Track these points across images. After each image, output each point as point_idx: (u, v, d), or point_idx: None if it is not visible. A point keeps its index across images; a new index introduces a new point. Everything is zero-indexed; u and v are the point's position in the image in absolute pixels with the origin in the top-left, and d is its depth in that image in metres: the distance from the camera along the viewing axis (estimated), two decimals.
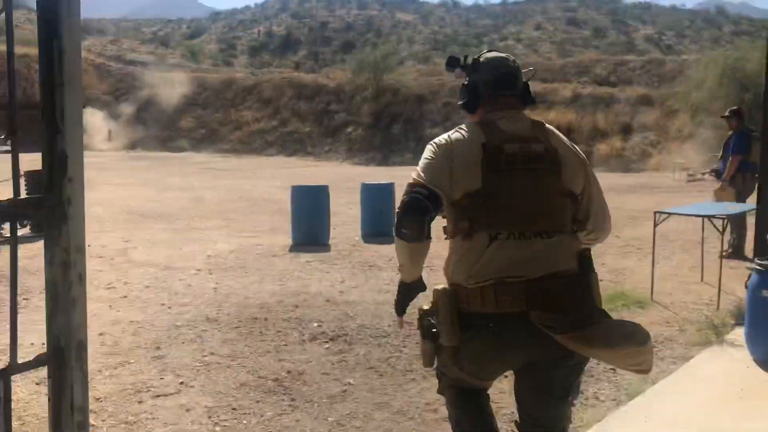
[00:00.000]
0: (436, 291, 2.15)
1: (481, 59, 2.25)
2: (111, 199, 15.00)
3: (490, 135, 2.09)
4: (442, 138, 2.17)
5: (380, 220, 9.73)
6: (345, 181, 17.66)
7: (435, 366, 2.28)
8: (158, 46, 56.81)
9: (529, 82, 2.27)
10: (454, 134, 2.16)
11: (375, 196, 10.11)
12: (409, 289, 2.27)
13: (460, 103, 2.28)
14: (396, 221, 2.10)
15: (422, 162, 2.14)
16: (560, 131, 2.23)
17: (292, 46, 63.19)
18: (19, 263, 1.42)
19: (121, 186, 18.03)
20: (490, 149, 2.06)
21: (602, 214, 2.25)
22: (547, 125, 2.22)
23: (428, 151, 2.15)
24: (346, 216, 11.12)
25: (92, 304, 5.65)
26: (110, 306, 5.88)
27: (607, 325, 2.04)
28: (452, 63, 2.32)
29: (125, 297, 6.20)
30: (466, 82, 2.26)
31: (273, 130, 32.81)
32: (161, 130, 35.39)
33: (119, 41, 56.20)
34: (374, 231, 9.61)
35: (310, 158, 29.52)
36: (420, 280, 2.27)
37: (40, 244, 1.66)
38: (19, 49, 39.52)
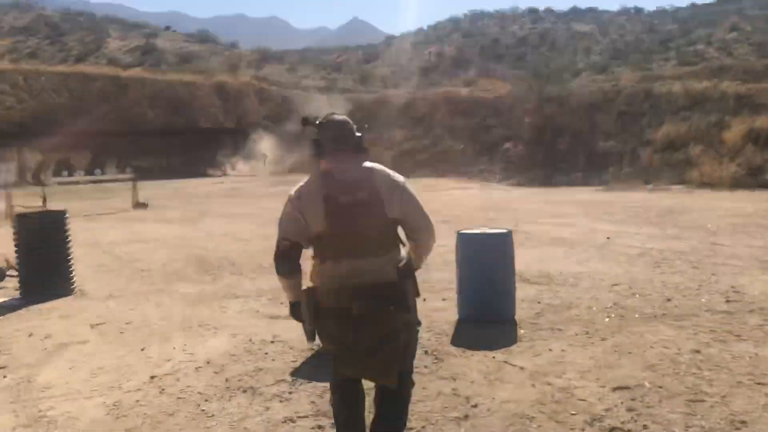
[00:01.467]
0: (303, 290, 2.84)
1: (325, 121, 2.82)
2: (196, 238, 12.08)
3: (329, 187, 2.74)
4: (292, 192, 2.81)
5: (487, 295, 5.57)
6: (495, 210, 13.27)
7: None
8: (331, 73, 55.70)
9: (361, 133, 2.84)
10: (302, 187, 2.81)
11: (477, 256, 5.78)
12: (294, 306, 2.89)
13: (309, 153, 2.83)
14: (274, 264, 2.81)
15: (281, 218, 2.83)
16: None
17: (463, 64, 59.33)
18: None
19: (228, 218, 15.23)
20: (329, 201, 2.71)
21: (421, 221, 2.89)
22: (373, 167, 2.82)
23: (284, 208, 2.82)
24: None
25: None
26: None
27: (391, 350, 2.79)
28: (305, 122, 2.88)
29: None
30: (314, 138, 2.81)
31: (424, 149, 28.92)
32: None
33: (296, 69, 55.94)
34: (477, 312, 5.63)
35: (463, 179, 25.16)
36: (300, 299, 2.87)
37: None
38: (184, 77, 39.75)
